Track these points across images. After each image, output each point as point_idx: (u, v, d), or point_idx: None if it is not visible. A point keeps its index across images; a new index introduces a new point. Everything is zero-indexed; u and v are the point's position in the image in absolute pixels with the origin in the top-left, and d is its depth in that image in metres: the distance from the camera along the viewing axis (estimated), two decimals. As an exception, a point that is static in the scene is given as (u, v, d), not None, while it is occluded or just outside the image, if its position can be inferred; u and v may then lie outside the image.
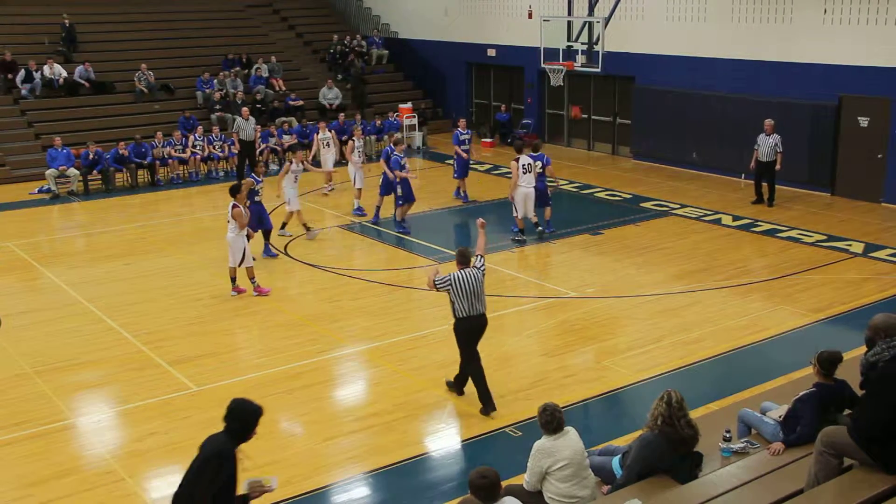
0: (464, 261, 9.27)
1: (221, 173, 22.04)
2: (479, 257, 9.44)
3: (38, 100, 23.42)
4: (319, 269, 14.52)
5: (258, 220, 14.39)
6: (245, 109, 21.78)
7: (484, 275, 9.31)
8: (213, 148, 22.10)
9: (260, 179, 14.65)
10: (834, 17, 18.11)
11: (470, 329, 9.29)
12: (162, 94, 24.73)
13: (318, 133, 20.19)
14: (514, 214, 15.66)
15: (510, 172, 15.66)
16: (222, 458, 5.63)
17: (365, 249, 15.59)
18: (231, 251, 12.93)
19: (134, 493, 8.09)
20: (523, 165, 15.30)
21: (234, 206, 12.75)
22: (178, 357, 11.02)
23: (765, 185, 17.89)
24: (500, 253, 15.16)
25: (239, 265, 12.98)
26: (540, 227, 15.91)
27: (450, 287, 9.11)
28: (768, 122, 17.57)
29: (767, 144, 17.47)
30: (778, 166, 17.51)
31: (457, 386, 9.73)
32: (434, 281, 9.21)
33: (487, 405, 9.31)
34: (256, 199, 14.35)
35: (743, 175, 19.65)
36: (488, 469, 5.76)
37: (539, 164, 15.57)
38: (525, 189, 15.36)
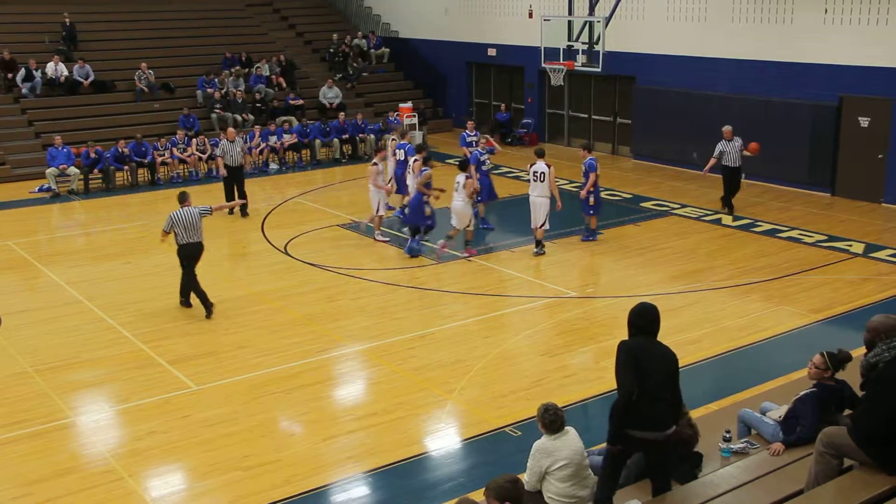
0: (182, 201, 12.18)
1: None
2: (208, 210, 12.36)
3: (39, 98, 23.41)
4: (319, 268, 14.51)
5: (488, 192, 16.49)
6: (231, 130, 18.07)
7: (201, 216, 12.16)
8: (215, 147, 22.05)
9: (485, 151, 16.65)
10: (835, 17, 18.11)
11: (189, 254, 12.18)
12: (162, 94, 24.72)
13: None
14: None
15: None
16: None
17: (365, 249, 15.58)
18: (458, 217, 14.59)
19: (134, 491, 8.09)
20: (534, 173, 14.67)
21: (467, 177, 14.61)
22: (178, 356, 11.02)
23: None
24: (501, 252, 15.16)
25: (468, 227, 14.73)
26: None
27: (172, 222, 11.94)
28: (727, 128, 17.02)
29: (734, 149, 16.90)
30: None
31: (183, 298, 12.50)
32: (163, 229, 12.12)
33: (208, 308, 12.16)
34: (484, 168, 16.32)
35: (743, 175, 19.62)
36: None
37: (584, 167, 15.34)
38: (535, 198, 14.73)
